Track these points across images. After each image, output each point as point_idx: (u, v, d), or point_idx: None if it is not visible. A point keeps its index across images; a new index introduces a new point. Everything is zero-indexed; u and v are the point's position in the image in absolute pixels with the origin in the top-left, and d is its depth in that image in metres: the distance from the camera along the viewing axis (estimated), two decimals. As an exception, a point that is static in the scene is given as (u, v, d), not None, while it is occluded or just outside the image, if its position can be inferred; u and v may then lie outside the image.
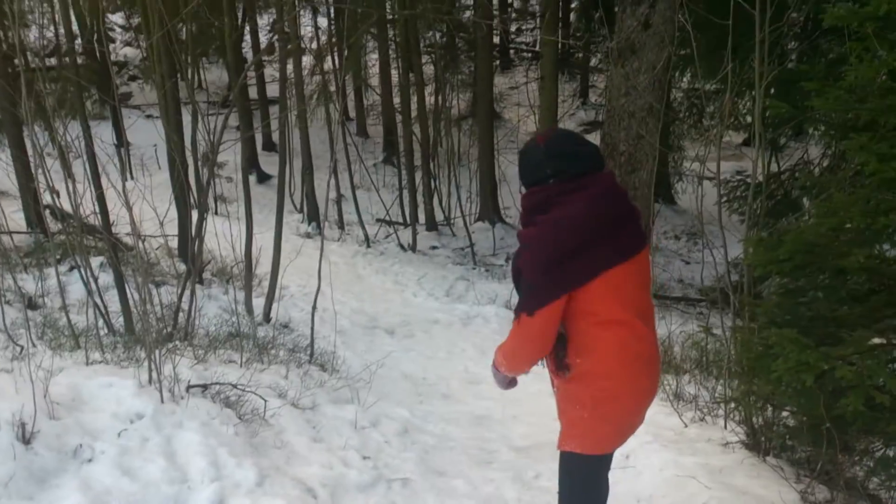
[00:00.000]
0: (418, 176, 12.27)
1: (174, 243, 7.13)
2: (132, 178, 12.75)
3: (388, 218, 12.40)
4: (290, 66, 9.90)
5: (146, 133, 13.52)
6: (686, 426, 4.56)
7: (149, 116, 16.46)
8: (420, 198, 12.28)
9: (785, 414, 3.83)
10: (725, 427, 4.41)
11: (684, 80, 12.20)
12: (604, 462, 2.81)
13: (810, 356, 2.75)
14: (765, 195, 5.57)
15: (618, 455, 4.01)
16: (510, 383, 2.96)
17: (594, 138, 8.96)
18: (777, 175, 8.26)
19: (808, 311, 3.30)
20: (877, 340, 2.96)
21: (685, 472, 3.75)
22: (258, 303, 6.34)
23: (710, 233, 6.21)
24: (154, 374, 3.81)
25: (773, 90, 6.42)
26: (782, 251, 3.24)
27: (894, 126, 2.93)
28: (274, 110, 14.64)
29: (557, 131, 2.88)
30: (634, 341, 2.61)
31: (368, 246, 11.10)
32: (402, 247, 11.36)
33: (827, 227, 3.15)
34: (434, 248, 11.76)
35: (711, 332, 4.35)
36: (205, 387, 4.04)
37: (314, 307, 5.62)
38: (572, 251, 2.51)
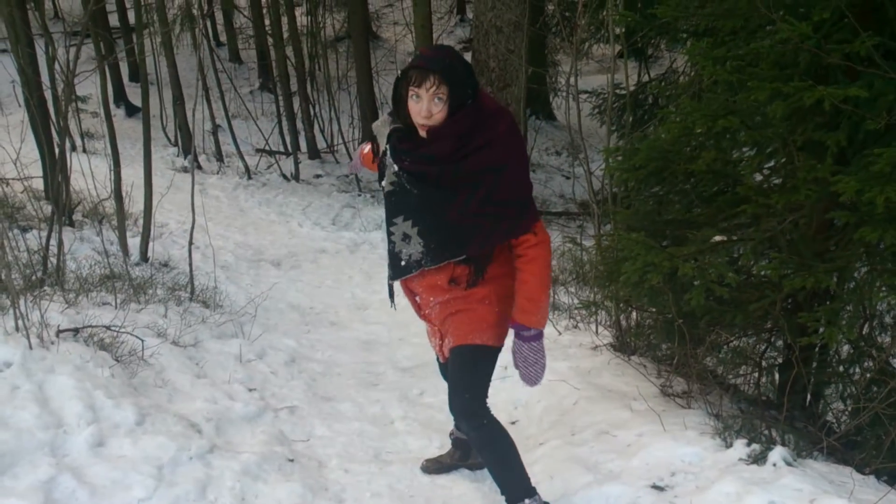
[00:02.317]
0: (296, 102, 11.98)
1: (40, 185, 6.78)
2: (-12, 118, 11.96)
3: (268, 148, 12.10)
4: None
5: (1, 70, 12.64)
6: (560, 334, 4.78)
7: (3, 51, 15.34)
8: (300, 125, 12.03)
9: (646, 314, 4.07)
10: (596, 332, 4.64)
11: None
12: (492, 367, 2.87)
13: (656, 257, 2.93)
14: (630, 107, 5.74)
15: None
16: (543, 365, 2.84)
17: (470, 57, 8.94)
18: (644, 85, 8.49)
19: (663, 215, 3.48)
20: (719, 238, 3.17)
21: (558, 377, 3.95)
22: (134, 242, 6.14)
23: (590, 147, 6.37)
24: (21, 322, 3.68)
25: None
26: (638, 159, 3.39)
27: (731, 30, 3.07)
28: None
29: (441, 46, 2.84)
30: None
31: (249, 177, 10.83)
32: (284, 177, 11.15)
33: (677, 132, 3.30)
34: (318, 176, 11.60)
35: (578, 242, 4.53)
36: (76, 330, 3.93)
37: (190, 242, 5.51)
38: None
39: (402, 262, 2.77)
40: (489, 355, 2.81)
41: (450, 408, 2.87)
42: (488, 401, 2.91)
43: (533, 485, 2.80)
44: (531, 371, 2.81)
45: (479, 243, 2.62)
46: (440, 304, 2.83)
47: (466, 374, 2.81)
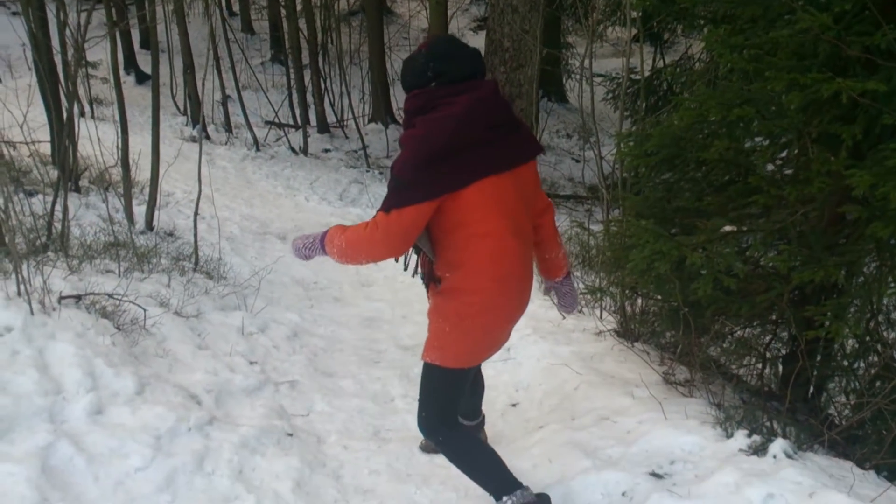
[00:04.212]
0: (307, 75, 11.92)
1: (47, 150, 6.75)
2: (-2, 81, 11.92)
3: (277, 120, 12.07)
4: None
5: (12, 32, 12.59)
6: (564, 318, 4.75)
7: (15, 13, 15.26)
8: (310, 98, 11.97)
9: (651, 302, 4.04)
10: (600, 318, 4.62)
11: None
12: (464, 375, 2.77)
13: (664, 245, 2.90)
14: (643, 91, 5.69)
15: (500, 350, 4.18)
16: (308, 258, 2.77)
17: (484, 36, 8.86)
18: (659, 70, 8.41)
19: (672, 203, 3.44)
20: (728, 228, 3.13)
21: (560, 361, 3.94)
22: (139, 211, 6.13)
23: (602, 131, 6.32)
24: (23, 287, 3.67)
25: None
26: (650, 145, 3.35)
27: (750, 17, 3.02)
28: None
29: (439, 36, 2.81)
30: (507, 258, 2.60)
31: (258, 149, 10.81)
32: (293, 150, 11.12)
33: (690, 119, 3.26)
34: (326, 150, 11.57)
35: (584, 227, 4.49)
36: (78, 297, 3.92)
37: (196, 212, 5.48)
38: (446, 153, 2.45)
39: None
40: (439, 374, 2.72)
41: None
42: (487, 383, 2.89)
43: (516, 478, 2.76)
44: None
45: None
46: (429, 303, 2.83)
47: (422, 391, 2.81)
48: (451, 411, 2.80)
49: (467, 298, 2.61)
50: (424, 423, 2.81)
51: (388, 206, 2.49)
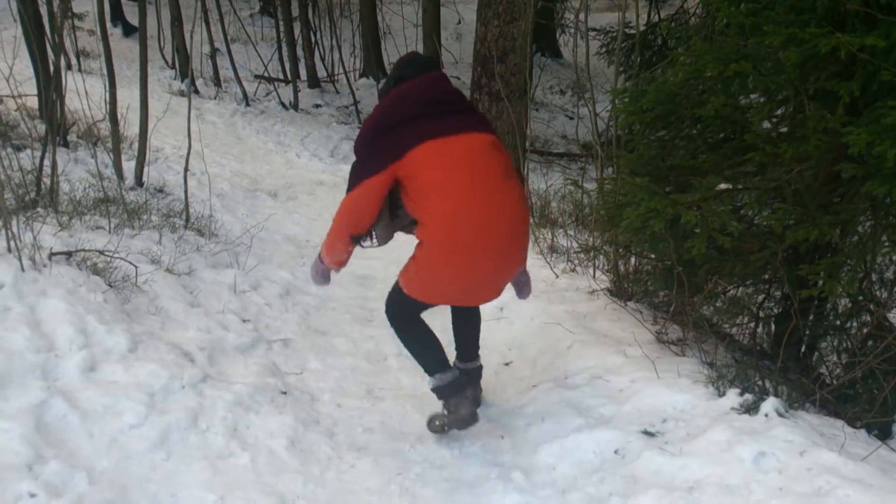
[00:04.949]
0: (297, 28, 11.73)
1: (34, 103, 6.65)
2: (-18, 33, 11.70)
3: (267, 74, 11.90)
4: None
5: (-5, -18, 12.34)
6: (557, 277, 4.75)
7: (-3, -36, 14.92)
8: (300, 52, 11.80)
9: (645, 261, 4.04)
10: (594, 276, 4.62)
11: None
12: (421, 304, 3.14)
13: (659, 203, 2.87)
14: (639, 47, 5.61)
15: (492, 307, 4.24)
16: (324, 277, 3.29)
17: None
18: (654, 25, 8.30)
19: (667, 161, 3.41)
20: (723, 186, 3.11)
21: (553, 320, 3.94)
22: (129, 166, 6.05)
23: (596, 87, 6.25)
24: (13, 243, 3.63)
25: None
26: (645, 101, 3.31)
27: (749, -28, 2.97)
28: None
29: (408, 53, 3.25)
30: (468, 213, 2.80)
31: (248, 104, 10.68)
32: (283, 105, 10.99)
33: (686, 75, 3.22)
34: (317, 106, 11.44)
35: (578, 185, 4.46)
36: (69, 254, 3.89)
37: (186, 168, 5.43)
38: (387, 126, 2.84)
39: None
40: (399, 294, 3.12)
41: None
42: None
43: (450, 362, 3.24)
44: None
45: None
46: None
47: (390, 294, 3.25)
48: (409, 315, 3.22)
49: (421, 251, 2.96)
50: (388, 316, 3.28)
51: (349, 188, 2.93)
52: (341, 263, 3.18)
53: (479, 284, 3.02)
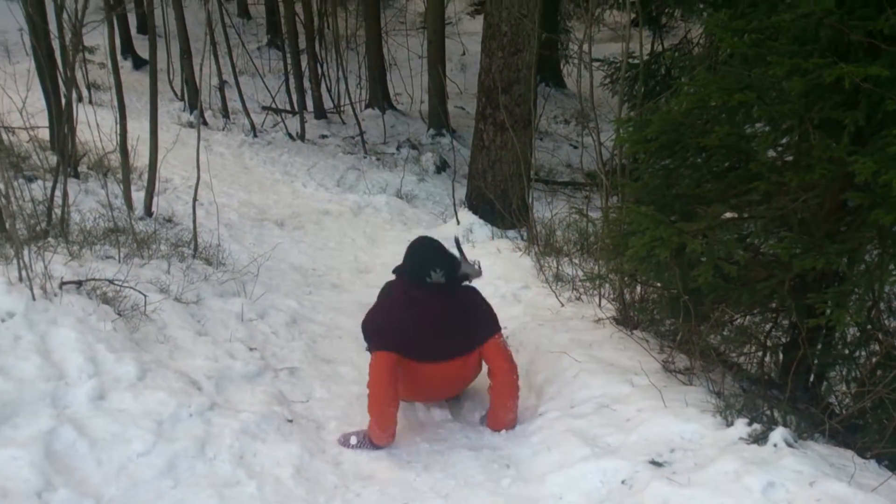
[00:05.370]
0: (304, 60, 11.86)
1: (46, 135, 6.73)
2: (-6, 66, 11.85)
3: (274, 105, 12.02)
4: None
5: (9, 17, 12.50)
6: (563, 305, 4.76)
7: (10, -2, 15.14)
8: (307, 84, 11.92)
9: (651, 289, 4.04)
10: (599, 305, 4.62)
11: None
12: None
13: (665, 231, 2.89)
14: (643, 76, 5.67)
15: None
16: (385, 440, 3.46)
17: (481, 20, 8.81)
18: (658, 55, 8.38)
19: (672, 189, 3.43)
20: (729, 215, 3.13)
21: (558, 348, 3.94)
22: (139, 197, 6.11)
23: (600, 116, 6.29)
24: (24, 272, 3.66)
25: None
26: (650, 131, 3.33)
27: (751, 2, 3.01)
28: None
29: (419, 238, 3.79)
30: (427, 396, 3.81)
31: (255, 135, 10.77)
32: (290, 136, 11.08)
33: (691, 104, 3.25)
34: (323, 136, 11.53)
35: (583, 213, 4.48)
36: (79, 283, 3.92)
37: (195, 198, 5.47)
38: (393, 329, 3.49)
39: None
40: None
41: None
42: None
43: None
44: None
45: None
46: None
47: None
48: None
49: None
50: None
51: (370, 348, 3.60)
52: (393, 435, 3.45)
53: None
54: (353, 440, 3.43)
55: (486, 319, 3.60)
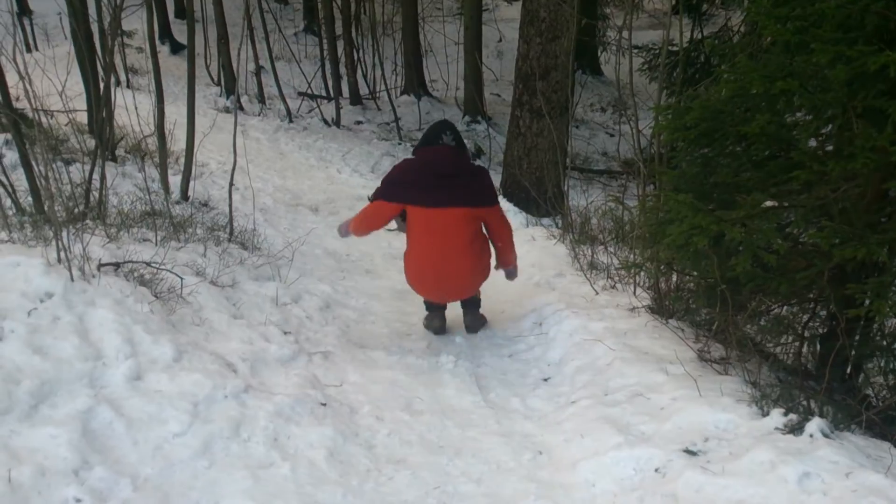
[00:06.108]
0: (340, 46, 11.88)
1: (84, 119, 6.83)
2: (35, 49, 12.04)
3: (310, 91, 12.07)
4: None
5: (49, 1, 12.69)
6: (597, 293, 4.73)
7: (50, -17, 15.36)
8: (343, 70, 11.94)
9: (687, 278, 4.00)
10: (634, 293, 4.58)
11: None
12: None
13: (703, 220, 2.85)
14: (682, 63, 5.59)
15: (530, 324, 4.23)
16: (346, 235, 4.68)
17: (519, 7, 8.75)
18: (698, 42, 8.25)
19: (711, 178, 3.38)
20: (769, 203, 3.08)
21: (593, 337, 3.92)
22: (175, 180, 6.18)
23: (638, 104, 6.23)
24: (63, 253, 3.73)
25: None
26: (689, 118, 3.29)
27: (797, -10, 2.94)
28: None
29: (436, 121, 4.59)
30: (424, 259, 4.28)
31: (291, 121, 10.83)
32: (325, 122, 11.12)
33: (731, 92, 3.20)
34: (359, 122, 11.56)
35: (621, 202, 4.44)
36: (117, 265, 3.98)
37: (231, 183, 5.52)
38: (402, 180, 4.19)
39: None
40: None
41: None
42: None
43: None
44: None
45: None
46: None
47: None
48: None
49: (405, 262, 4.48)
50: None
51: (372, 197, 4.35)
52: (358, 237, 4.68)
53: (435, 295, 4.54)
54: (343, 230, 4.60)
55: (489, 189, 4.25)
